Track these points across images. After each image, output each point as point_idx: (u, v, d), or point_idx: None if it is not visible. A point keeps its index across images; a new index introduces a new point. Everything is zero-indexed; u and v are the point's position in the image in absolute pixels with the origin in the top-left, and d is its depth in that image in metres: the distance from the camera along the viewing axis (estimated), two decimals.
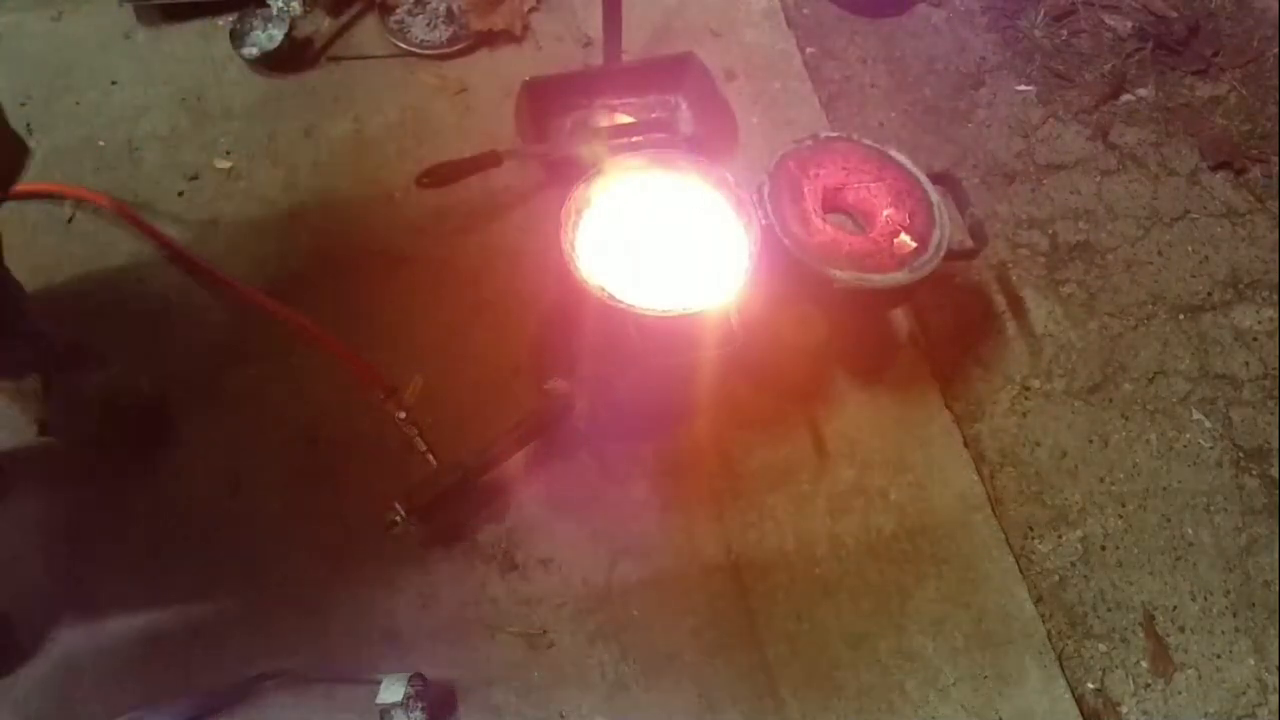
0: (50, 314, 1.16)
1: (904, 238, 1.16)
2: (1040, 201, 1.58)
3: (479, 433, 1.17)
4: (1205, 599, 1.26)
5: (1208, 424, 1.39)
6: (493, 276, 1.38)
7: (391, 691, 1.01)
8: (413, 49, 1.58)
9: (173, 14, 1.59)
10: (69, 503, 1.17)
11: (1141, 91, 1.72)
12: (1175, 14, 1.79)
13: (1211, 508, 1.33)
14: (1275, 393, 1.43)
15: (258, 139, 1.49)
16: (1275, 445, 1.38)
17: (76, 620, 1.11)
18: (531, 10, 1.64)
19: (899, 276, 1.13)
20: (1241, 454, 1.37)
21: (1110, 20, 1.79)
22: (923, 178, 1.21)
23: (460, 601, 1.15)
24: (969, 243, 1.24)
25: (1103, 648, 1.23)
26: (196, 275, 1.34)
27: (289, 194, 1.44)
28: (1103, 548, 1.29)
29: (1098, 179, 1.61)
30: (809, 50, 1.69)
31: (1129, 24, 1.78)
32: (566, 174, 1.44)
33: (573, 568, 1.18)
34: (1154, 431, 1.38)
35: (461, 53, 1.59)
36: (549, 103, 1.49)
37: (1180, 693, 1.20)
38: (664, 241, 1.10)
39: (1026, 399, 1.39)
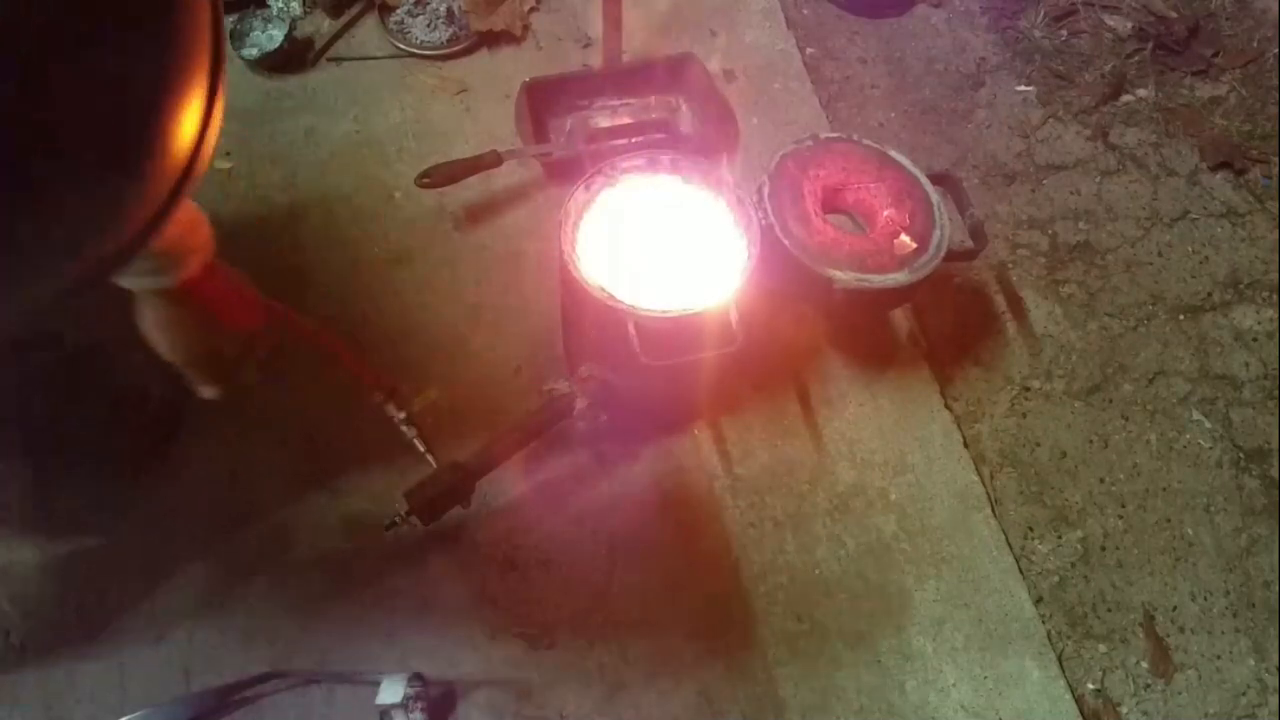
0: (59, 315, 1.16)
1: (904, 238, 1.16)
2: (1040, 202, 1.58)
3: (479, 433, 1.17)
4: (1205, 599, 1.26)
5: (1208, 424, 1.39)
6: (493, 276, 1.38)
7: (391, 692, 1.01)
8: (413, 49, 1.58)
9: None
10: (70, 505, 1.17)
11: (1141, 92, 1.72)
12: (1175, 14, 1.79)
13: (1211, 508, 1.33)
14: (1275, 393, 1.43)
15: (258, 139, 1.49)
16: (1275, 445, 1.38)
17: (75, 621, 1.11)
18: (531, 10, 1.64)
19: (899, 277, 1.13)
20: (1241, 454, 1.37)
21: (1110, 20, 1.79)
22: (923, 178, 1.21)
23: (460, 601, 1.15)
24: (969, 243, 1.24)
25: (1103, 648, 1.23)
26: None
27: (289, 194, 1.44)
28: (1103, 548, 1.29)
29: (1098, 179, 1.61)
30: (809, 50, 1.69)
31: (1129, 24, 1.78)
32: (566, 174, 1.44)
33: (573, 568, 1.18)
34: (1154, 432, 1.38)
35: (461, 53, 1.59)
36: (549, 103, 1.49)
37: (1180, 693, 1.20)
38: (664, 241, 1.10)
39: (1026, 399, 1.39)
